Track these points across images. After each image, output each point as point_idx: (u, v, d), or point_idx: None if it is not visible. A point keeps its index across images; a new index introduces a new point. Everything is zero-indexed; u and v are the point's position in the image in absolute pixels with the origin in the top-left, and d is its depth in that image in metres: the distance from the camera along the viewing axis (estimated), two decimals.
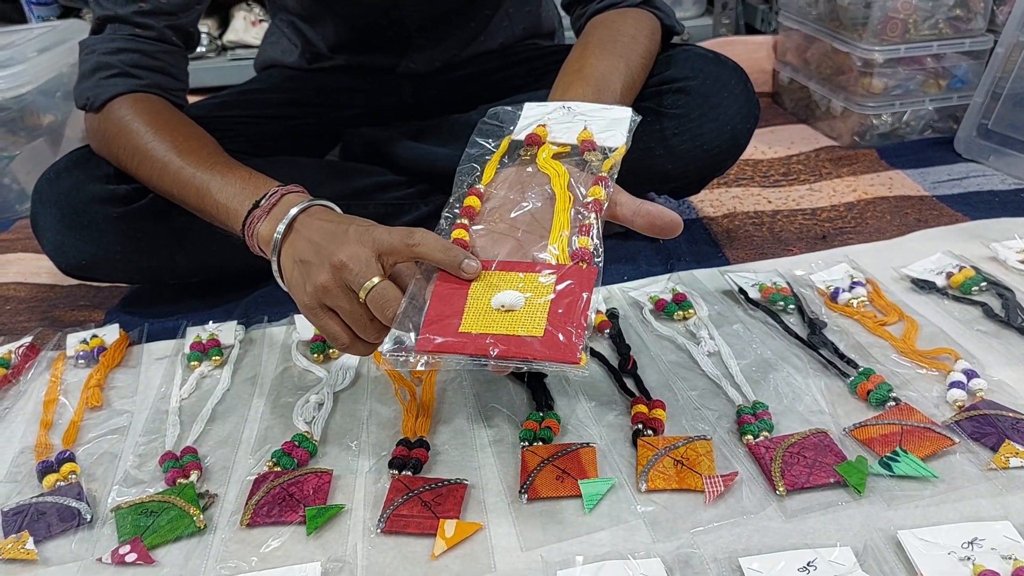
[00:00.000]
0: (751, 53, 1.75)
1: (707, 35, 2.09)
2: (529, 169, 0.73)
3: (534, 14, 1.26)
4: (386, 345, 0.64)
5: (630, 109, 0.77)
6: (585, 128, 0.75)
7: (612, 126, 0.75)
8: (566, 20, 1.26)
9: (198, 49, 2.06)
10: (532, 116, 0.78)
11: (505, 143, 0.76)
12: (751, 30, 2.17)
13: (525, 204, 0.71)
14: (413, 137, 1.17)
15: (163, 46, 0.95)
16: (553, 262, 0.66)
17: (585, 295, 0.63)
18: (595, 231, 0.67)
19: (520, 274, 0.65)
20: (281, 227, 0.73)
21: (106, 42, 0.93)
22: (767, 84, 1.75)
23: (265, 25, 2.03)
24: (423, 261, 0.68)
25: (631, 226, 0.71)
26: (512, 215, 0.70)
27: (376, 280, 0.66)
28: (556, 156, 0.74)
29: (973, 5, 1.40)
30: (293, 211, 0.73)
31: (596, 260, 0.66)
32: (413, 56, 1.18)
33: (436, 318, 0.63)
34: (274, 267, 0.74)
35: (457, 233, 0.69)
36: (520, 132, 0.77)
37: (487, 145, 0.77)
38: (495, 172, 0.74)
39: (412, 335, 0.63)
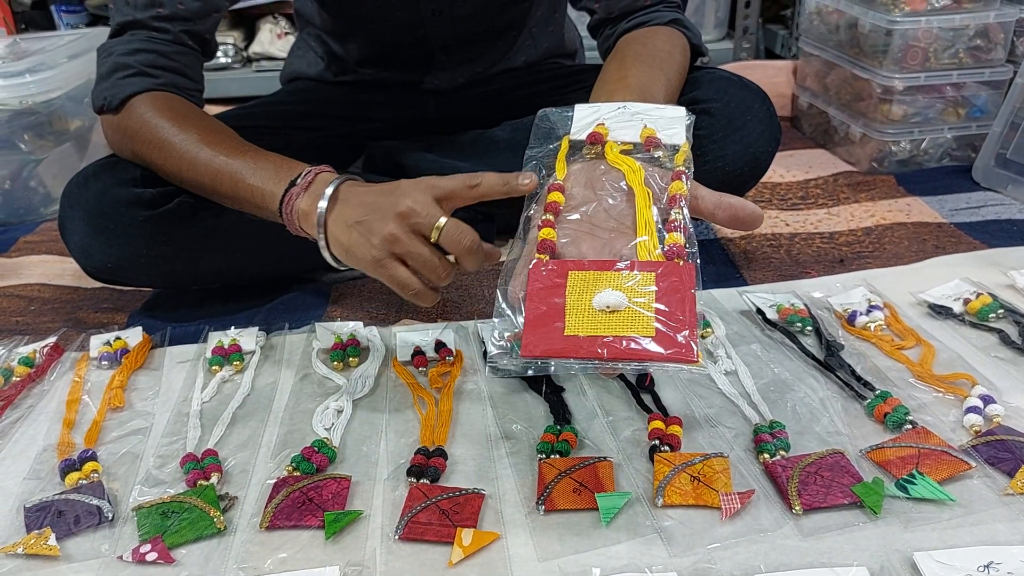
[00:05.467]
0: (771, 77, 1.77)
1: (727, 59, 2.11)
2: (602, 166, 0.73)
3: (557, 34, 1.28)
4: (490, 348, 0.65)
5: (683, 108, 0.78)
6: (646, 126, 0.75)
7: (671, 124, 0.75)
8: (587, 41, 1.28)
9: (224, 60, 2.09)
10: (586, 116, 0.78)
11: (565, 143, 0.76)
12: (771, 55, 2.18)
13: (602, 201, 0.70)
14: (435, 151, 1.19)
15: (179, 48, 0.97)
16: (646, 259, 0.65)
17: (692, 292, 0.62)
18: (685, 226, 0.67)
19: (615, 273, 0.64)
20: (323, 203, 0.78)
21: (123, 44, 0.96)
22: (786, 108, 1.76)
23: (291, 38, 2.06)
24: (486, 199, 0.73)
25: (713, 220, 0.72)
26: (590, 213, 0.70)
27: (444, 220, 0.72)
28: (623, 153, 0.74)
29: (993, 36, 1.41)
30: (331, 187, 0.78)
31: (691, 256, 0.65)
32: (437, 73, 1.19)
33: (537, 321, 0.62)
34: (321, 241, 0.79)
35: (545, 233, 0.68)
36: (578, 132, 0.76)
37: (546, 147, 0.77)
38: (566, 167, 0.74)
39: (515, 343, 0.63)
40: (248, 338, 0.95)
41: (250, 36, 2.17)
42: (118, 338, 0.96)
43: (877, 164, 1.46)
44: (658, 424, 0.76)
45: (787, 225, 1.25)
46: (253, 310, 1.05)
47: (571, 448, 0.75)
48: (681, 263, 0.64)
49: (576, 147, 0.76)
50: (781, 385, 0.83)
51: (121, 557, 0.65)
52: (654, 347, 0.59)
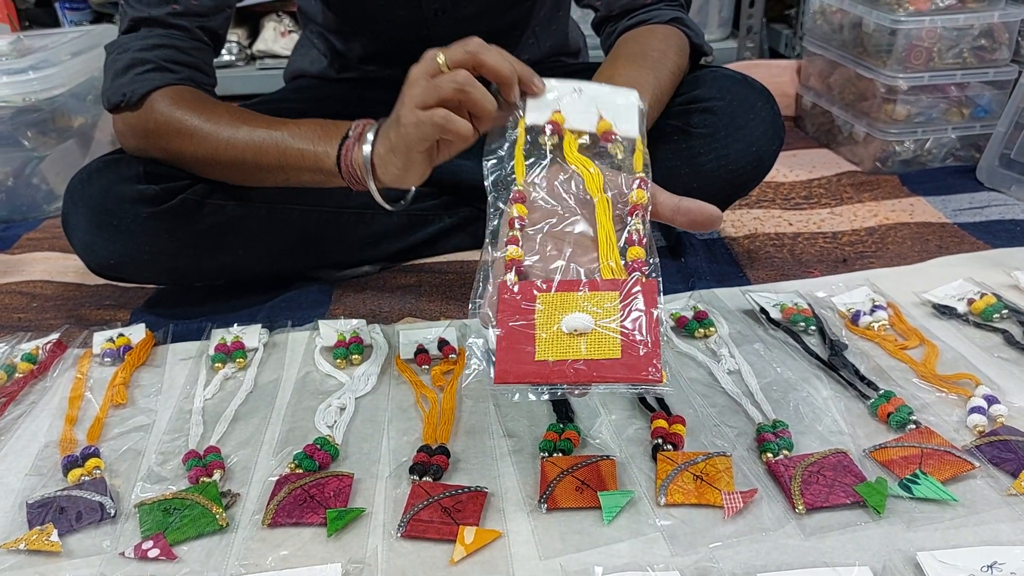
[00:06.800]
0: (774, 77, 1.76)
1: (731, 58, 2.11)
2: (562, 174, 0.72)
3: (560, 33, 1.27)
4: (468, 376, 0.64)
5: (635, 92, 0.77)
6: (602, 117, 0.74)
7: (625, 112, 0.75)
8: (591, 40, 1.28)
9: (228, 58, 2.09)
10: (540, 97, 0.76)
11: (521, 129, 0.74)
12: (775, 54, 2.18)
13: (564, 213, 0.69)
14: None
15: (195, 43, 0.97)
16: (609, 276, 0.65)
17: (654, 311, 0.62)
18: (646, 239, 0.66)
19: (581, 293, 0.64)
20: (367, 147, 0.81)
21: (139, 40, 0.95)
22: (790, 108, 1.76)
23: (294, 36, 2.06)
24: (488, 71, 0.74)
25: (672, 224, 0.71)
26: (554, 227, 0.69)
27: (442, 54, 0.74)
28: (580, 149, 0.72)
29: (998, 35, 1.40)
30: (372, 132, 0.81)
31: (652, 269, 0.65)
32: None
33: (508, 347, 0.62)
34: (371, 183, 0.82)
35: (512, 253, 0.67)
36: (534, 116, 0.75)
37: (503, 141, 0.75)
38: (525, 169, 0.72)
39: (491, 367, 0.62)
40: (251, 335, 0.95)
41: (254, 34, 2.18)
42: (121, 335, 0.96)
43: (881, 164, 1.45)
44: (661, 423, 0.76)
45: (790, 225, 1.25)
46: (256, 307, 1.05)
47: (574, 446, 0.74)
48: (643, 279, 0.64)
49: (533, 133, 0.74)
50: (784, 384, 0.82)
51: (123, 553, 0.65)
52: (621, 369, 0.60)
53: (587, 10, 1.09)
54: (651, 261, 0.65)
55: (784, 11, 2.21)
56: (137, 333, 0.97)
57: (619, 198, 0.69)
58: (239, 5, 2.04)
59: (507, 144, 0.75)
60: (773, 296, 0.98)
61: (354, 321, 0.96)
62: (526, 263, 0.67)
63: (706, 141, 0.98)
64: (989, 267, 1.04)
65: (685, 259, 1.12)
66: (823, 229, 1.23)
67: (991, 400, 0.76)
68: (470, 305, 0.67)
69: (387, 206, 0.87)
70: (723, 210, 1.13)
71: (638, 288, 0.63)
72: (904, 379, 0.82)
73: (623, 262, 0.65)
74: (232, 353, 0.92)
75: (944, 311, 0.94)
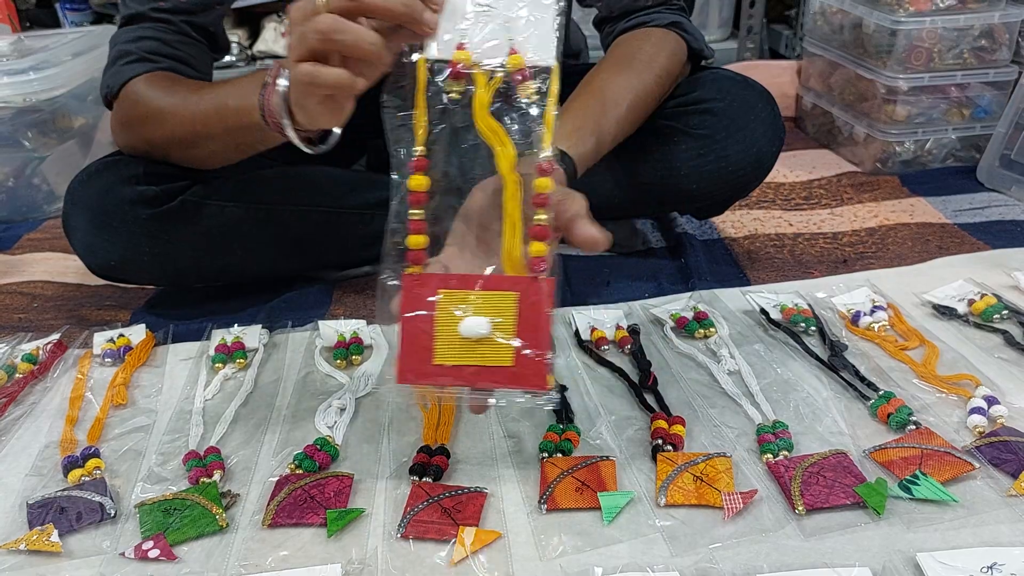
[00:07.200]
0: (774, 77, 1.76)
1: (731, 59, 2.11)
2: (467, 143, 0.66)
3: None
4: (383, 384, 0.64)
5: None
6: (514, 49, 0.63)
7: (540, 30, 0.64)
8: (592, 40, 1.28)
9: (228, 58, 2.09)
10: (444, 26, 0.64)
11: (422, 71, 0.64)
12: (775, 55, 2.18)
13: (477, 196, 0.66)
14: None
15: (183, 38, 0.97)
16: (511, 271, 0.63)
17: (546, 312, 0.61)
18: (549, 232, 0.63)
19: (480, 292, 0.62)
20: (283, 81, 0.72)
21: (128, 33, 0.96)
22: (790, 109, 1.76)
23: None
24: (375, 15, 0.63)
25: (568, 241, 0.66)
26: (469, 212, 0.66)
27: None
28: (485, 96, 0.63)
29: (998, 36, 1.40)
30: (285, 70, 0.72)
31: (551, 267, 0.62)
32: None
33: (410, 347, 0.61)
34: (287, 127, 0.74)
35: (413, 241, 0.64)
36: (434, 47, 0.64)
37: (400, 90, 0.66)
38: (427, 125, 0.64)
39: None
40: (251, 336, 0.95)
41: (255, 34, 2.17)
42: (121, 335, 0.96)
43: (881, 164, 1.45)
44: (661, 423, 0.76)
45: (791, 225, 1.25)
46: (256, 308, 1.05)
47: (574, 447, 0.74)
48: (542, 278, 0.62)
49: (437, 69, 0.64)
50: (784, 385, 0.82)
51: (123, 554, 0.65)
52: (511, 377, 0.60)
53: (589, 9, 1.09)
54: (551, 258, 0.63)
55: (784, 12, 2.21)
56: (137, 333, 0.97)
57: (528, 179, 0.63)
58: (240, 6, 2.04)
59: (405, 90, 0.65)
60: (773, 297, 0.98)
61: (354, 321, 0.96)
62: (447, 249, 0.65)
63: (706, 142, 0.98)
64: (989, 268, 1.04)
65: (685, 259, 1.12)
66: (823, 230, 1.23)
67: (991, 401, 0.76)
68: (377, 300, 0.65)
69: (306, 149, 0.77)
70: (723, 211, 1.14)
71: (535, 288, 0.62)
72: (904, 380, 0.82)
73: (525, 258, 0.63)
74: (232, 353, 0.92)
75: (944, 312, 0.94)
